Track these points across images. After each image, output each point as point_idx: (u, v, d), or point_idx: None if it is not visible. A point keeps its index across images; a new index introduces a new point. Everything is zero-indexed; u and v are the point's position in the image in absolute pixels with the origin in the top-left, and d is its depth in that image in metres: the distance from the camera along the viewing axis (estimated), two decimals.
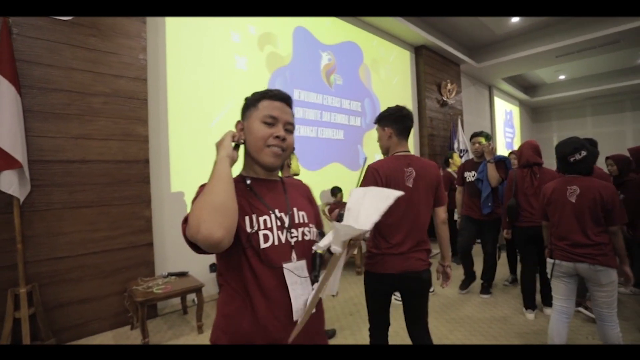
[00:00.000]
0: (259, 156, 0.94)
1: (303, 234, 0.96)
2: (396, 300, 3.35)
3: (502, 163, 3.32)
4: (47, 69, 2.62)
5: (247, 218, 0.89)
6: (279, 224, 0.93)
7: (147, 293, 2.59)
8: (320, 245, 0.83)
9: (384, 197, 0.84)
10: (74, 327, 2.70)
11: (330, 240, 0.78)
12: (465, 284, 3.54)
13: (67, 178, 2.71)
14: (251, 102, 0.98)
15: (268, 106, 0.95)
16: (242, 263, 0.88)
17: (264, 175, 0.99)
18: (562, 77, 11.30)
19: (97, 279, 2.82)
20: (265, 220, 0.91)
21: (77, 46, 2.76)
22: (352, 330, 2.76)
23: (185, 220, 0.82)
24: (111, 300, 2.89)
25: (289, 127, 0.97)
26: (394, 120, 1.77)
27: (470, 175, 3.41)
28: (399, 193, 0.83)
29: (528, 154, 2.88)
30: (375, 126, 1.87)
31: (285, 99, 0.98)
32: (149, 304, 2.66)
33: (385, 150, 1.85)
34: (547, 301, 2.95)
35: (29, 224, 2.51)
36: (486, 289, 3.42)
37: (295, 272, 0.91)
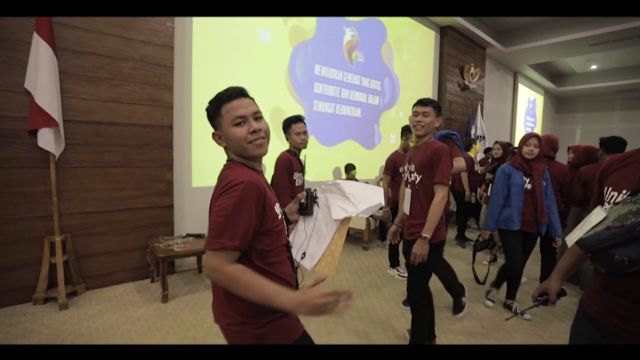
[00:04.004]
0: (247, 153, 1.01)
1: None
2: (399, 275, 3.52)
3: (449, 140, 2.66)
4: (81, 32, 2.72)
5: (276, 206, 1.05)
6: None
7: (167, 250, 2.80)
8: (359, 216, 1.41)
9: (370, 188, 1.44)
10: (100, 276, 2.95)
11: (360, 211, 1.29)
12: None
13: (97, 139, 2.88)
14: (214, 111, 1.02)
15: (230, 109, 0.99)
16: (275, 240, 1.03)
17: (257, 166, 1.06)
18: (593, 67, 10.81)
19: (121, 234, 3.05)
20: (277, 206, 1.07)
21: None
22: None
23: (220, 247, 0.89)
24: (134, 254, 3.12)
25: (258, 115, 1.02)
26: (441, 112, 2.04)
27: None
28: (380, 188, 1.40)
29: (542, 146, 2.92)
30: (426, 107, 1.97)
31: (240, 94, 1.01)
32: (169, 261, 2.88)
33: (426, 132, 1.99)
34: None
35: (62, 179, 2.71)
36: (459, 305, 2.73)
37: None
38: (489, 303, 2.89)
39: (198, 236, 3.23)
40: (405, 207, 2.02)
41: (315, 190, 1.37)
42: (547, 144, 3.00)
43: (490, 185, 4.08)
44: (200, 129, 3.51)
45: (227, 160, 1.06)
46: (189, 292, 2.96)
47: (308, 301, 0.83)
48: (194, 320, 2.47)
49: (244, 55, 3.82)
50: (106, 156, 2.92)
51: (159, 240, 3.04)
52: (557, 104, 13.75)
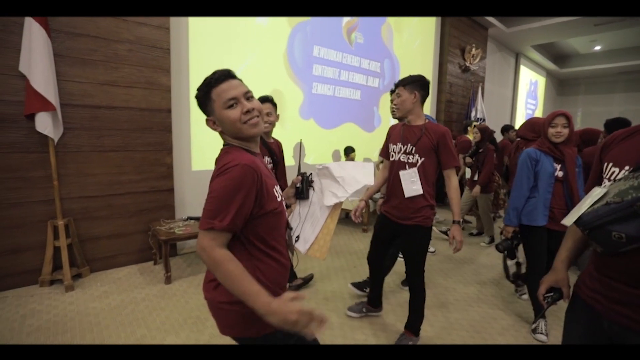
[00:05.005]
0: (242, 134, 1.00)
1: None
2: (401, 257, 3.57)
3: None
4: None
5: (275, 188, 1.04)
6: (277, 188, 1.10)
7: (169, 233, 2.84)
8: (350, 200, 1.40)
9: (360, 165, 1.40)
10: (104, 259, 3.00)
11: (349, 194, 1.28)
12: None
13: (95, 123, 2.86)
14: (204, 97, 1.01)
15: (221, 92, 0.98)
16: (275, 222, 1.03)
17: (254, 147, 1.06)
18: (597, 47, 10.62)
19: (123, 218, 3.08)
20: (276, 188, 1.07)
21: None
22: (355, 279, 2.99)
23: (208, 227, 0.90)
24: (136, 237, 3.16)
25: (249, 95, 1.01)
26: (421, 86, 1.87)
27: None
28: (370, 164, 1.40)
29: (521, 128, 2.92)
30: (397, 89, 1.90)
31: (228, 76, 1.00)
32: (171, 243, 2.92)
33: (404, 114, 1.91)
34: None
35: (62, 163, 2.71)
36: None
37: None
38: (542, 337, 2.20)
39: (199, 219, 3.25)
40: (405, 189, 1.90)
41: (311, 174, 1.38)
42: (526, 127, 2.95)
43: (470, 168, 4.08)
44: (198, 112, 3.42)
45: (223, 145, 1.06)
46: (191, 273, 3.01)
47: (281, 313, 0.80)
48: (197, 300, 2.53)
49: (242, 36, 3.75)
50: (105, 140, 2.92)
51: (160, 224, 3.07)
52: (559, 86, 13.59)
